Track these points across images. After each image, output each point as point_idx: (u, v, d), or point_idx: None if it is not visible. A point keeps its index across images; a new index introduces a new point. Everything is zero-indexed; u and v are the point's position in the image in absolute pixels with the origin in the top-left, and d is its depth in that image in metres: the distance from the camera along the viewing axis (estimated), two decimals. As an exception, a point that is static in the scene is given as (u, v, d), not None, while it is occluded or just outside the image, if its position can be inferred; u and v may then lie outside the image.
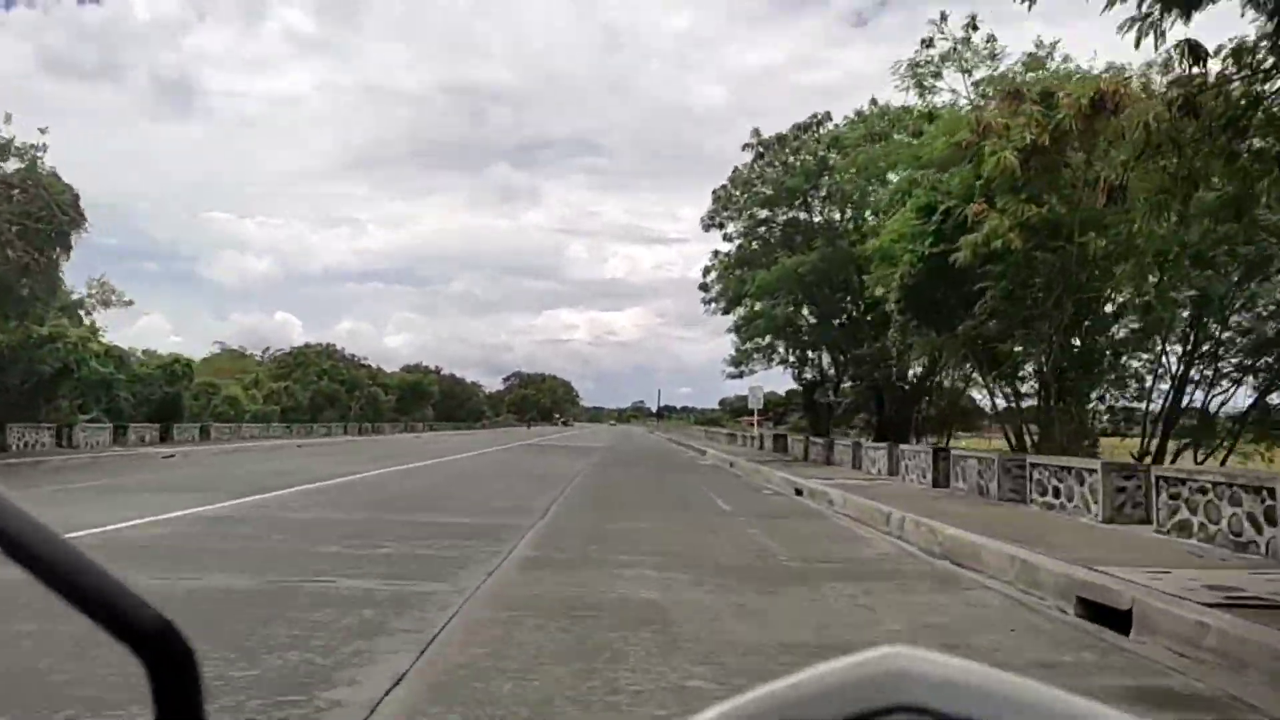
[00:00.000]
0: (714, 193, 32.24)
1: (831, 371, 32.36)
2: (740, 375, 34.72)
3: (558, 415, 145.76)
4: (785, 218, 30.84)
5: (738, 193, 31.60)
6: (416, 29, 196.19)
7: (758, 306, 30.99)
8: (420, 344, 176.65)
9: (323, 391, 58.58)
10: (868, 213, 25.19)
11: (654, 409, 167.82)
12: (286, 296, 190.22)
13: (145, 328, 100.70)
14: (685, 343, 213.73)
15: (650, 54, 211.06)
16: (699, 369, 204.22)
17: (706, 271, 34.74)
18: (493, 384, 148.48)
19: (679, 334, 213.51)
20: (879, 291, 18.62)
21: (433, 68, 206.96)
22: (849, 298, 28.77)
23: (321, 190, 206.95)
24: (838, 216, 29.53)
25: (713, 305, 33.99)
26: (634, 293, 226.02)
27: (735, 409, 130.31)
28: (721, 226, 32.71)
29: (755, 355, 33.58)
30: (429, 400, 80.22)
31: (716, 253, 33.74)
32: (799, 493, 15.93)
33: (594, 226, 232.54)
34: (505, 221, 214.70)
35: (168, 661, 0.48)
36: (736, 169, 31.81)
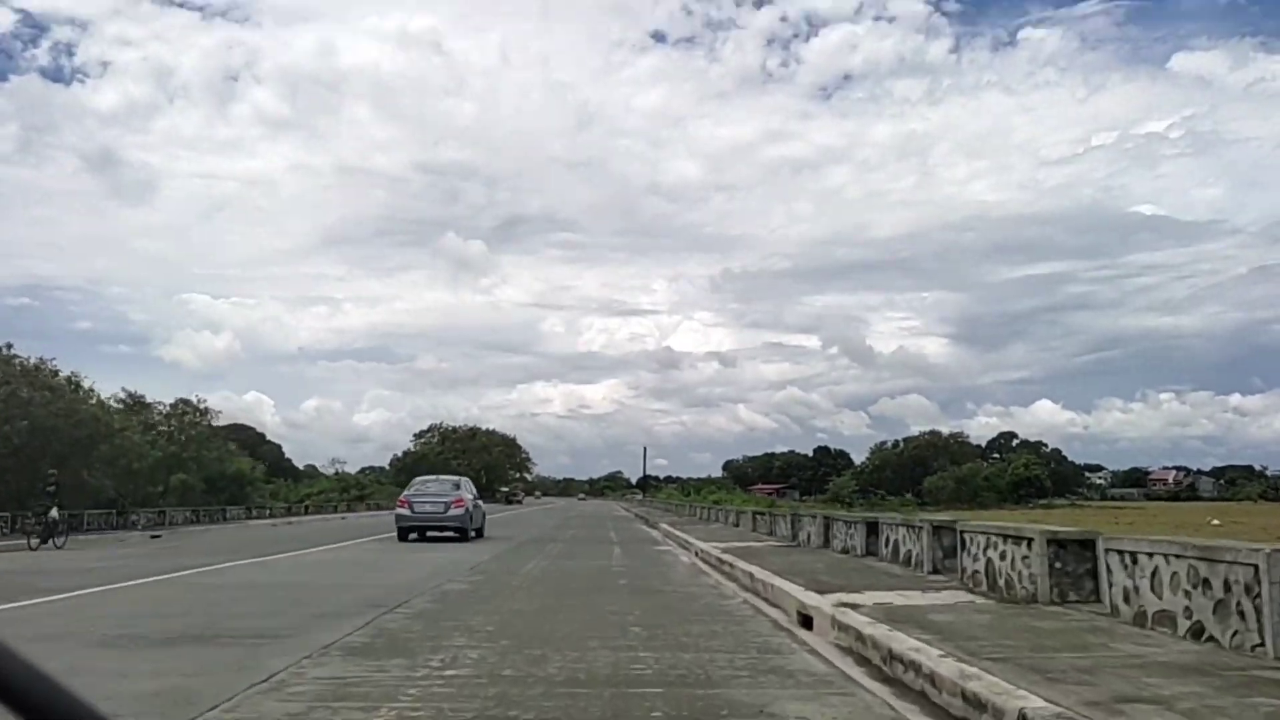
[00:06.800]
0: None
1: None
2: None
3: (503, 490, 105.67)
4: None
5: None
6: (390, 110, 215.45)
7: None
8: (395, 421, 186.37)
9: None
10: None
11: (633, 480, 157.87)
12: (259, 376, 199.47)
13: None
14: (658, 415, 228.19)
15: (622, 131, 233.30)
16: (672, 440, 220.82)
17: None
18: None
19: (651, 406, 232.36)
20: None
21: (407, 148, 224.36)
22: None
23: (296, 270, 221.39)
24: None
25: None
26: (608, 365, 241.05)
27: (741, 475, 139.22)
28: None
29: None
30: None
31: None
32: None
33: (569, 301, 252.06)
34: (481, 298, 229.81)
35: None
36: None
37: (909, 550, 13.04)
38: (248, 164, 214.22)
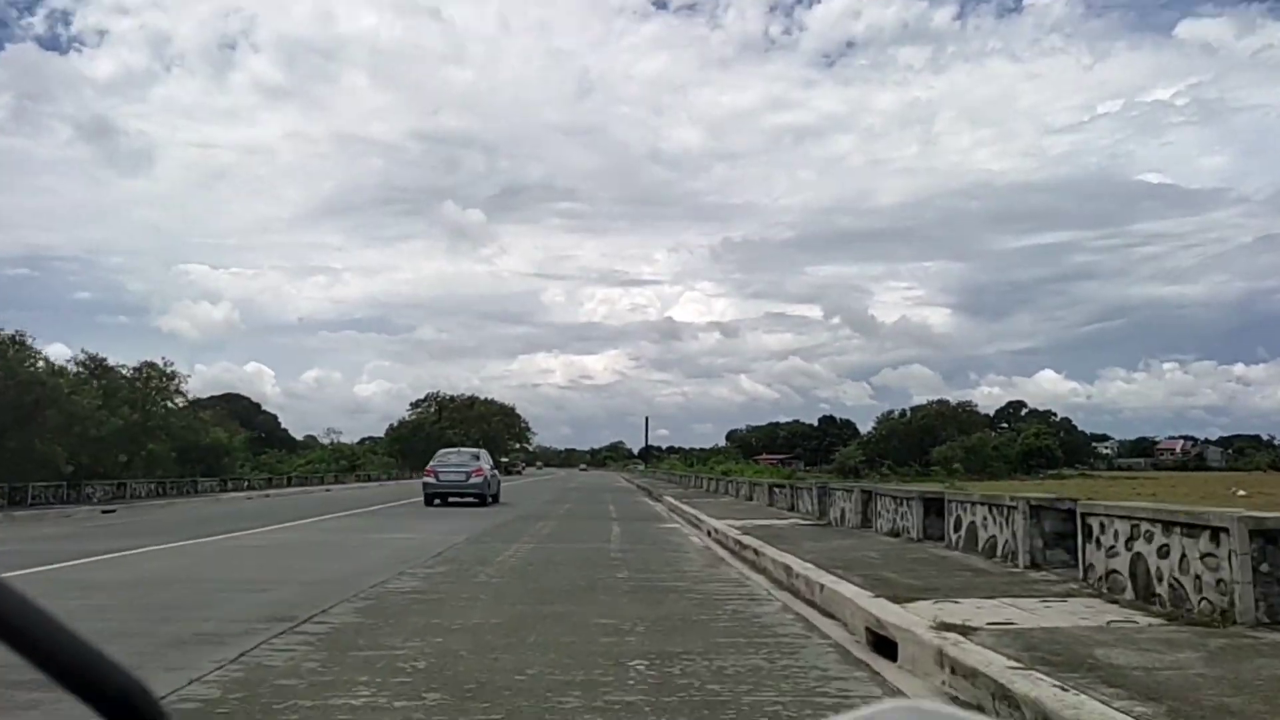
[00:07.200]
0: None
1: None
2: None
3: (503, 460, 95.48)
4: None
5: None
6: (388, 77, 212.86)
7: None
8: (395, 391, 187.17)
9: None
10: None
11: (635, 450, 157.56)
12: (259, 346, 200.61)
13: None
14: (659, 385, 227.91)
15: (623, 99, 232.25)
16: (674, 410, 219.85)
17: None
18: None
19: (653, 376, 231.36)
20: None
21: (405, 116, 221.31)
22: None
23: (295, 239, 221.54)
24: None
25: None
26: (610, 335, 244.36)
27: (745, 445, 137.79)
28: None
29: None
30: None
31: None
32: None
33: (570, 270, 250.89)
34: (482, 267, 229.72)
35: None
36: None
37: (991, 537, 10.11)
38: (245, 132, 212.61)
